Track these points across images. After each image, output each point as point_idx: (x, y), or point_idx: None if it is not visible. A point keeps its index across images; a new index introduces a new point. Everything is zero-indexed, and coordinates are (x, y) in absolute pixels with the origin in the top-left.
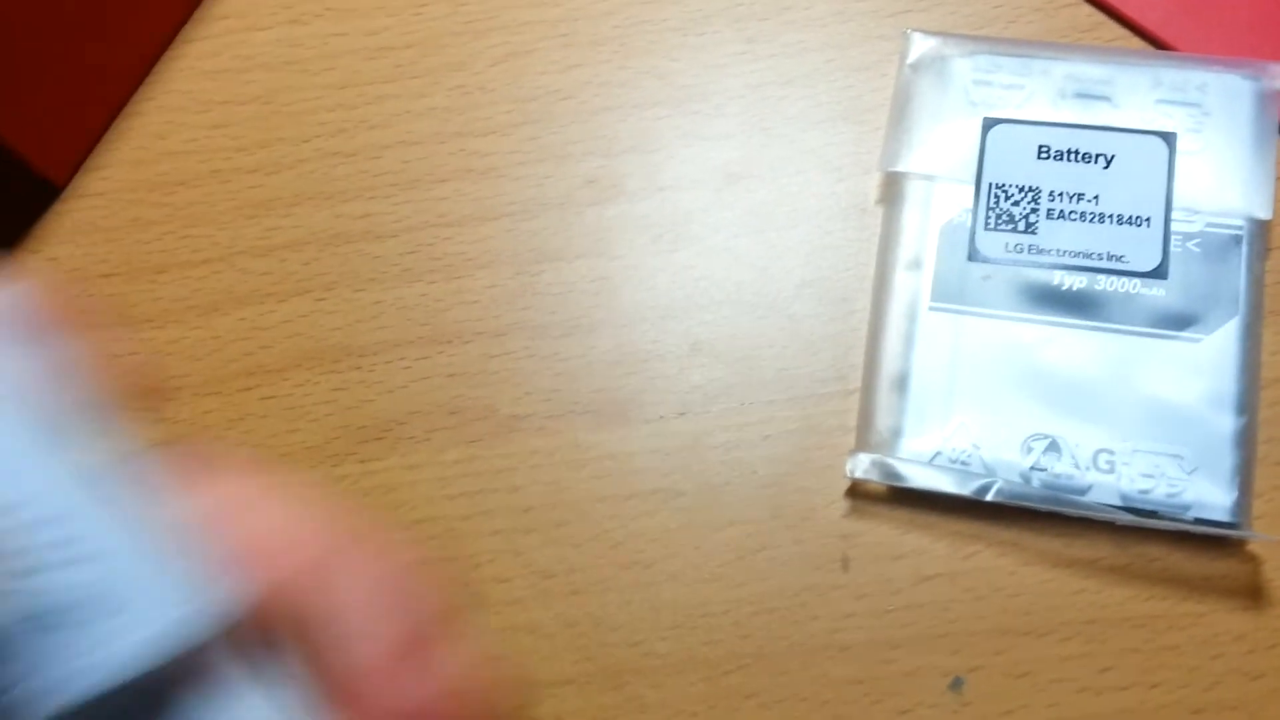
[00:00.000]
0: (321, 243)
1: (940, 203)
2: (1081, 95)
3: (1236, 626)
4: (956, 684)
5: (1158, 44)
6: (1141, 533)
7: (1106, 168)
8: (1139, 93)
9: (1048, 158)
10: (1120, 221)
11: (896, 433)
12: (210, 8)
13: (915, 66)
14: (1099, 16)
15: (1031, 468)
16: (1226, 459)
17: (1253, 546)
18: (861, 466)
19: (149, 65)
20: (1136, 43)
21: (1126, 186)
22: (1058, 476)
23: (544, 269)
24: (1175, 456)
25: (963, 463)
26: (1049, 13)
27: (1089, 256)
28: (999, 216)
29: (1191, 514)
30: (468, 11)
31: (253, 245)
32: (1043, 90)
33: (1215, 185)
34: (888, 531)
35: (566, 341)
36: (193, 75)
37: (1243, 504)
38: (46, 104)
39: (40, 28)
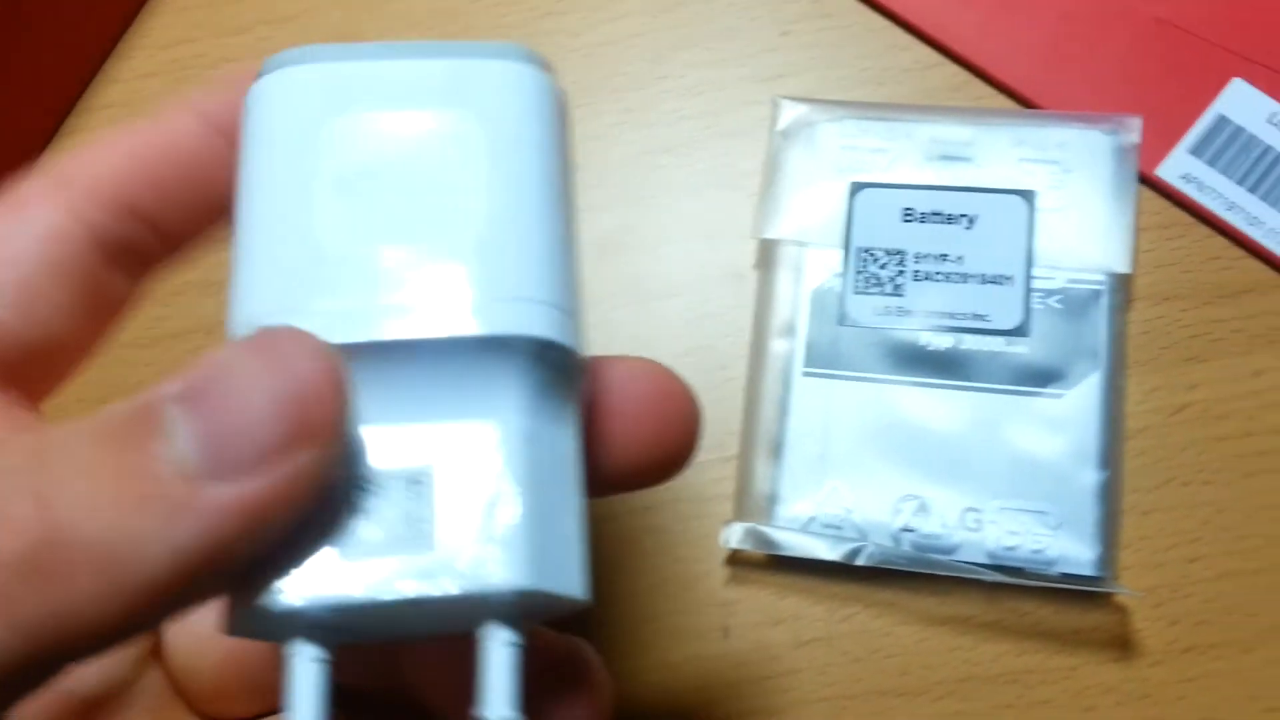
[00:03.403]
0: (207, 330)
1: (812, 268)
2: (945, 157)
3: (1107, 679)
4: None
5: (1022, 101)
6: (1013, 589)
7: (969, 228)
8: (1001, 152)
9: (913, 220)
10: (984, 281)
11: (773, 500)
12: (92, 98)
13: (785, 133)
14: (966, 75)
15: (901, 529)
16: (1090, 513)
17: (1120, 598)
18: (736, 536)
19: (36, 157)
20: (1003, 101)
21: (989, 246)
22: (927, 537)
23: None
24: (1039, 513)
25: (836, 527)
26: (917, 73)
27: (954, 317)
28: (867, 280)
29: (1056, 569)
30: None
31: (138, 336)
32: (908, 153)
33: (1075, 241)
34: (767, 597)
35: None
36: None
37: (1107, 558)
38: None
39: None
